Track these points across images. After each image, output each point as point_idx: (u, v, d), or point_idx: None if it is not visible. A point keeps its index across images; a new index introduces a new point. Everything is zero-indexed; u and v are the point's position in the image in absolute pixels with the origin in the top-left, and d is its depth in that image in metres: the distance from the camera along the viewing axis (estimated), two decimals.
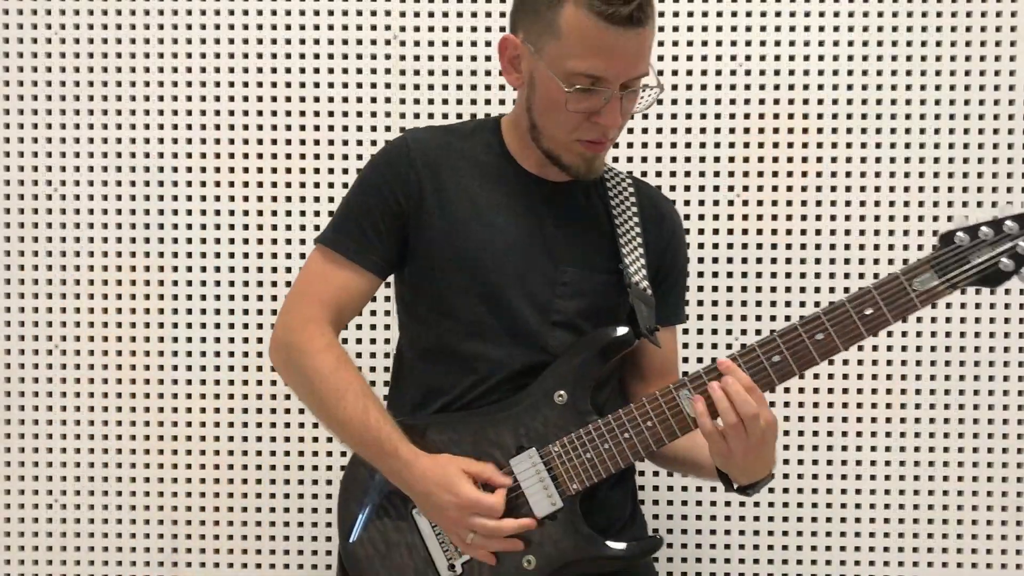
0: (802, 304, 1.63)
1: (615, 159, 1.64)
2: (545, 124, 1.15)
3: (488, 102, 1.64)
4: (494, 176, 1.20)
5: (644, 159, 1.64)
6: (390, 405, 1.27)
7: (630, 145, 1.64)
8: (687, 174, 1.64)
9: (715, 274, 1.64)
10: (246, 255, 1.65)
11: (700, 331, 1.64)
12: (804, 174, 1.63)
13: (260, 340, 1.65)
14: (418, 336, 1.23)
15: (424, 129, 1.29)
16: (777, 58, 1.63)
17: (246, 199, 1.65)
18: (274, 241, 1.64)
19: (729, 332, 1.64)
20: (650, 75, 1.13)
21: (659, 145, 1.64)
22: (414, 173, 1.18)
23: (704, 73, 1.63)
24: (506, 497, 1.10)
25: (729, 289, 1.64)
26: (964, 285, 1.02)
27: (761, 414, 1.03)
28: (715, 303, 1.64)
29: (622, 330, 1.16)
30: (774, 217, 1.63)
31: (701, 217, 1.64)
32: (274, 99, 1.64)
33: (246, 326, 1.65)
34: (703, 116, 1.63)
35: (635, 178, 1.30)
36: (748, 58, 1.63)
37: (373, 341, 1.65)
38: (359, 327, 1.65)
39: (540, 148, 1.18)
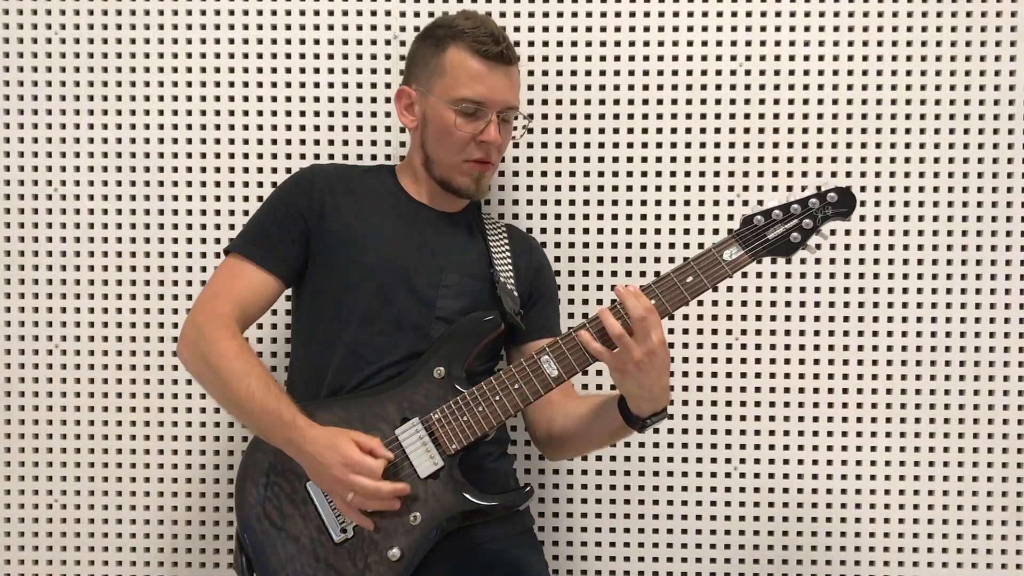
0: (802, 304, 1.63)
1: (615, 159, 1.64)
2: (438, 153, 1.38)
3: None
4: (388, 202, 1.41)
5: (644, 159, 1.64)
6: None
7: (630, 145, 1.64)
8: (687, 174, 1.64)
9: None
10: None
11: (700, 331, 1.64)
12: (804, 174, 1.63)
13: (260, 340, 1.65)
14: (312, 331, 1.37)
15: (327, 163, 1.49)
16: (777, 58, 1.63)
17: (246, 199, 1.65)
18: None
19: (729, 332, 1.64)
20: (520, 110, 1.41)
21: (659, 145, 1.64)
22: (317, 192, 1.37)
23: (704, 73, 1.63)
24: (391, 465, 1.23)
25: (729, 289, 1.64)
26: (763, 255, 1.22)
27: (649, 319, 1.16)
28: (715, 303, 1.64)
29: (489, 315, 1.34)
30: None
31: (701, 217, 1.64)
32: (274, 99, 1.65)
33: None
34: (703, 116, 1.63)
35: (507, 223, 1.54)
36: (748, 58, 1.63)
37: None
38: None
39: (433, 178, 1.40)
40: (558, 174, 1.64)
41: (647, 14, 1.63)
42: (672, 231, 1.64)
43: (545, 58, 1.64)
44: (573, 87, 1.64)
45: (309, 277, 1.38)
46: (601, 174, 1.64)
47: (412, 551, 1.24)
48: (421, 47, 1.39)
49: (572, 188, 1.64)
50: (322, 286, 1.36)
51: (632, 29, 1.63)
